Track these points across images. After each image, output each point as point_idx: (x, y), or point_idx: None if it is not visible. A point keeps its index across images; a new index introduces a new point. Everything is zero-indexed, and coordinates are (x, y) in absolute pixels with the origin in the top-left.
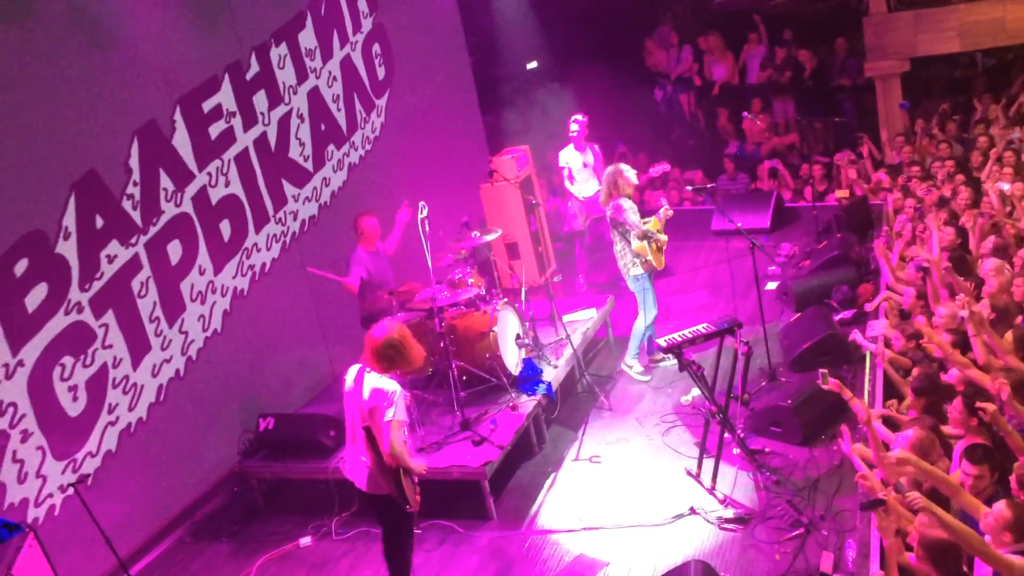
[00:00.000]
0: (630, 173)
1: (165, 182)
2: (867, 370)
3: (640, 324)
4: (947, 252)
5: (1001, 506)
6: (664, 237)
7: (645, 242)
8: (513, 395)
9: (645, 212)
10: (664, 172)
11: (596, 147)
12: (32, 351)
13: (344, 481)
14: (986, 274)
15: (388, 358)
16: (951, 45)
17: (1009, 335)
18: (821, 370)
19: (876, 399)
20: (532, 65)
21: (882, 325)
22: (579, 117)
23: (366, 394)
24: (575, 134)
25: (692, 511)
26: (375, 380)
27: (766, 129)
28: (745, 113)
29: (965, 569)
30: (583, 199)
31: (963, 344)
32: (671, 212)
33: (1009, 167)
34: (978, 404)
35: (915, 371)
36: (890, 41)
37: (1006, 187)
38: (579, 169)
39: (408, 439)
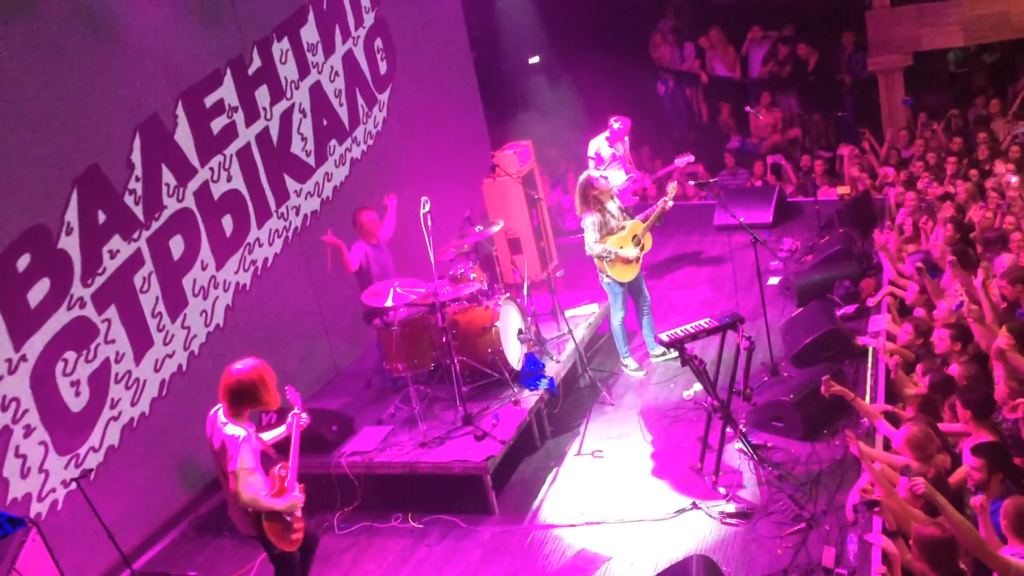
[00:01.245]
0: (603, 181)
1: (167, 177)
2: (869, 365)
3: (613, 322)
4: (950, 247)
5: (1008, 504)
6: (634, 252)
7: (598, 260)
8: (515, 390)
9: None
10: (688, 163)
11: (627, 141)
12: (35, 346)
13: (345, 476)
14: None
15: (236, 396)
16: (955, 39)
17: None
18: (824, 377)
19: (878, 394)
20: (534, 60)
21: (884, 320)
22: (619, 118)
23: (216, 442)
24: (616, 132)
25: (694, 506)
26: (224, 425)
27: (770, 124)
28: (749, 108)
29: (963, 567)
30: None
31: (963, 338)
32: (670, 204)
33: (1013, 161)
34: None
35: (920, 367)
36: (893, 35)
37: (1014, 179)
38: (608, 158)
39: (264, 481)
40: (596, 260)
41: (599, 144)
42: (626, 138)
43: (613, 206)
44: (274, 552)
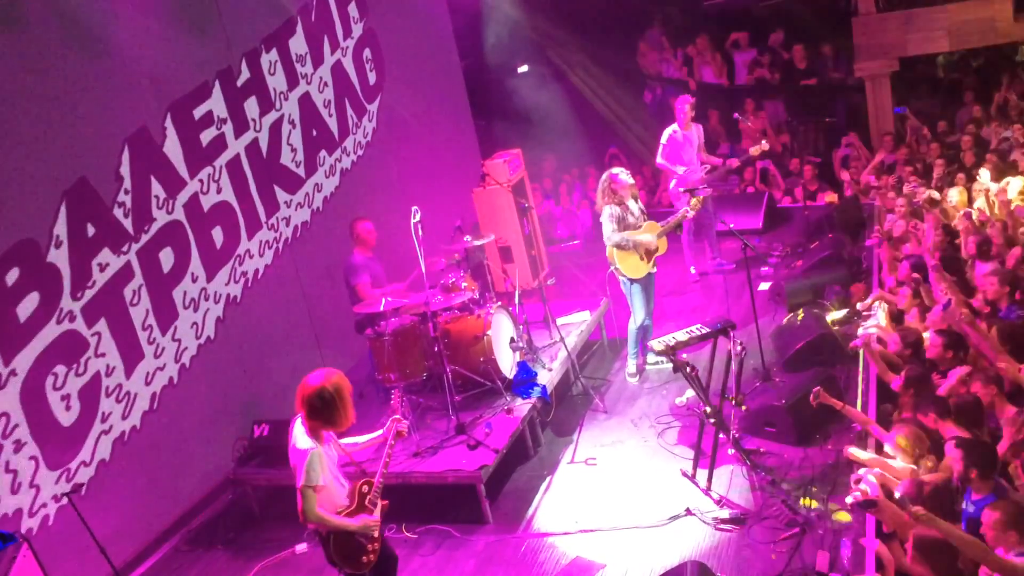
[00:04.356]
0: (625, 176)
1: (156, 189)
2: (860, 370)
3: (631, 325)
4: (938, 251)
5: (987, 512)
6: (649, 237)
7: (616, 251)
8: (508, 398)
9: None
10: (762, 151)
11: (700, 128)
12: (24, 360)
13: None
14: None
15: (314, 409)
16: (940, 45)
17: (994, 332)
18: (815, 389)
19: (870, 399)
20: (523, 69)
21: (875, 324)
22: (685, 97)
23: (291, 448)
24: (683, 115)
25: (688, 512)
26: (297, 438)
27: (760, 130)
28: (737, 115)
29: (960, 567)
30: (686, 176)
31: (956, 345)
32: (691, 214)
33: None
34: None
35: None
36: (879, 41)
37: (994, 187)
38: (682, 147)
39: (342, 498)
40: (612, 255)
41: (671, 129)
42: (700, 126)
43: (634, 205)
44: (343, 572)
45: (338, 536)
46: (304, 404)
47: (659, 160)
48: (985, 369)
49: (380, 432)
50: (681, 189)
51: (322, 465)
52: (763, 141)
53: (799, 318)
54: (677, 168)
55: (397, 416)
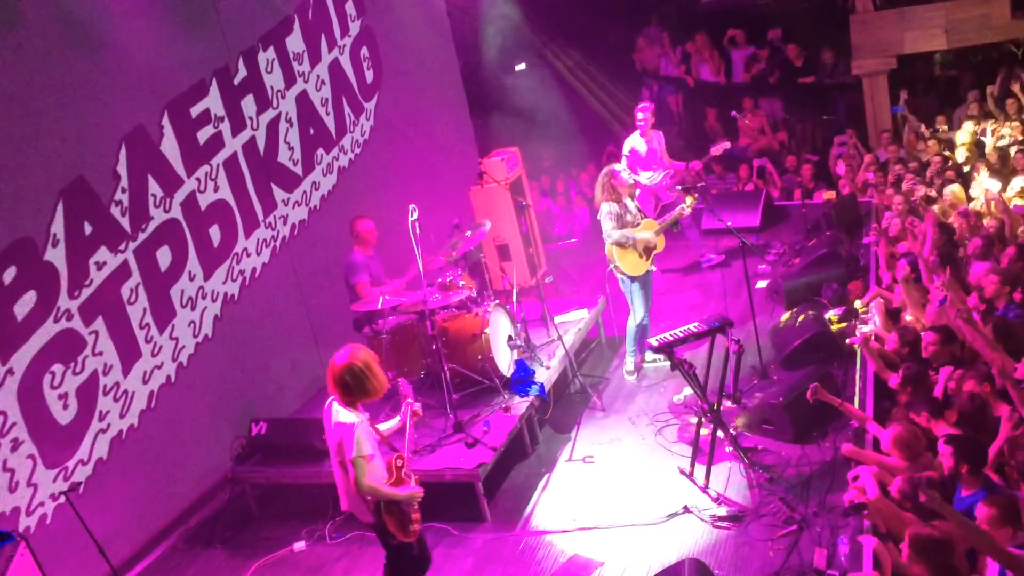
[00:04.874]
0: (625, 174)
1: (154, 188)
2: (858, 367)
3: (630, 323)
4: (936, 249)
5: (982, 507)
6: (648, 234)
7: (615, 248)
8: (506, 397)
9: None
10: (724, 150)
11: (661, 134)
12: (22, 359)
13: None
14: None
15: (345, 386)
16: (937, 42)
17: (989, 329)
18: (812, 385)
19: (867, 396)
20: (521, 67)
21: (873, 321)
22: (644, 105)
23: (332, 428)
24: (642, 123)
25: (686, 510)
26: (337, 413)
27: (758, 128)
28: (734, 113)
29: (956, 565)
30: (650, 185)
31: (951, 343)
32: (687, 211)
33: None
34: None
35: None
36: (876, 39)
37: (996, 186)
38: (644, 155)
39: (383, 470)
40: (612, 253)
41: (633, 142)
42: (661, 133)
43: (631, 203)
44: (392, 543)
45: (389, 506)
46: (337, 385)
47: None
48: (979, 367)
49: (396, 420)
50: (678, 187)
51: (367, 437)
52: (725, 141)
53: (798, 321)
54: (640, 177)
55: (409, 400)
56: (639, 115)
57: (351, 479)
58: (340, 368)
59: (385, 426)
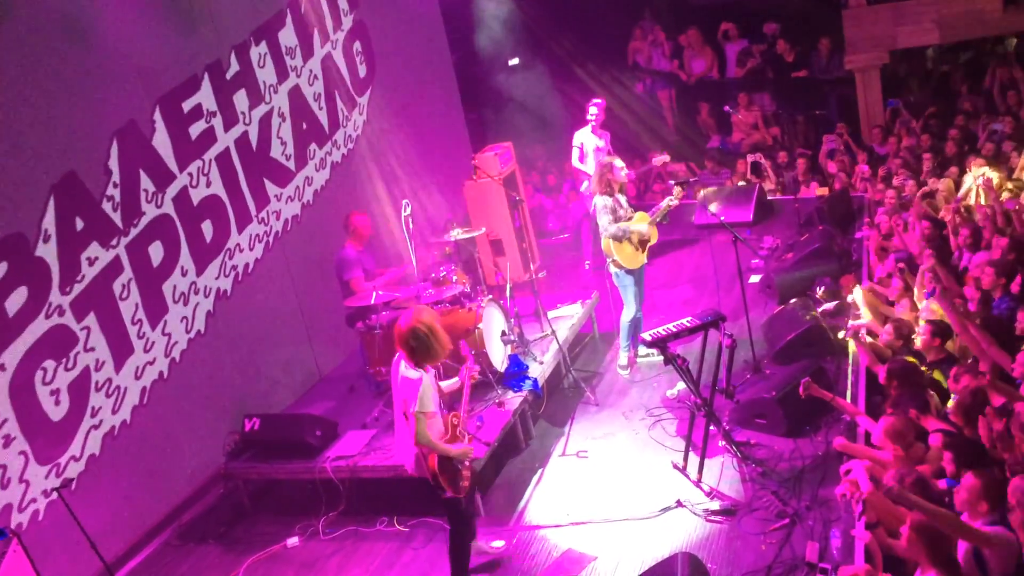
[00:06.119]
0: (621, 167)
1: (145, 183)
2: (850, 361)
3: (624, 318)
4: (930, 244)
5: (969, 476)
6: (643, 226)
7: (612, 242)
8: (499, 391)
9: (645, 206)
10: (664, 163)
11: (608, 135)
12: (13, 355)
13: (330, 480)
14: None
15: (411, 348)
16: (930, 37)
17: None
18: (804, 380)
19: (859, 390)
20: (514, 61)
21: (866, 316)
22: (598, 101)
23: (398, 383)
24: (593, 118)
25: (679, 504)
26: (403, 369)
27: (751, 123)
28: (727, 107)
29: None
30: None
31: (943, 335)
32: (676, 203)
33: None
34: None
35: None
36: (869, 34)
37: (995, 176)
38: (592, 150)
39: (441, 426)
40: (609, 247)
41: (583, 136)
42: (608, 134)
43: (623, 198)
44: (444, 495)
45: (443, 460)
46: (403, 346)
47: (575, 163)
48: (972, 362)
49: (456, 379)
50: (672, 182)
51: (430, 394)
52: (664, 153)
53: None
54: (591, 170)
55: (468, 364)
56: (591, 110)
57: (411, 431)
58: (405, 331)
59: (446, 383)
